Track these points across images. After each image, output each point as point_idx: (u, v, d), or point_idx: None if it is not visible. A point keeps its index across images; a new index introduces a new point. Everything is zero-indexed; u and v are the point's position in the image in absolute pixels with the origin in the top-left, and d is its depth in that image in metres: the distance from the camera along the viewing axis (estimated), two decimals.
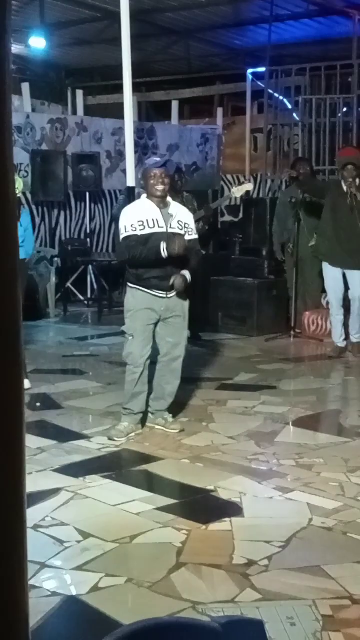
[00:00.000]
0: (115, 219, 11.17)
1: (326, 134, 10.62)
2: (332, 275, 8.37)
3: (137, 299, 5.60)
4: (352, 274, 8.25)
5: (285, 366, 7.95)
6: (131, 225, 5.48)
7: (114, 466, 5.09)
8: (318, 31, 12.67)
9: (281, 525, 4.17)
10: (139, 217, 5.51)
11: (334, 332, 8.54)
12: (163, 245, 5.40)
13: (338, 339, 8.44)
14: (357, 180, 8.18)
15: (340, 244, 8.27)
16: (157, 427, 5.83)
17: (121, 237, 5.55)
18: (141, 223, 5.48)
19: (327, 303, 8.77)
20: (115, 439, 5.55)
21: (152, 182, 5.52)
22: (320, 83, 11.08)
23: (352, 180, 8.15)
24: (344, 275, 8.30)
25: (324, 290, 9.69)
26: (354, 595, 3.40)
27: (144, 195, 5.65)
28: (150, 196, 5.57)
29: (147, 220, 5.49)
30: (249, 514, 4.32)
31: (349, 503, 4.43)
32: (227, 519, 4.23)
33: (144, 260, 5.50)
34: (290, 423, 6.05)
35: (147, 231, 5.45)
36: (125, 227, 5.50)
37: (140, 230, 5.45)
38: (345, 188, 8.18)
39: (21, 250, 6.24)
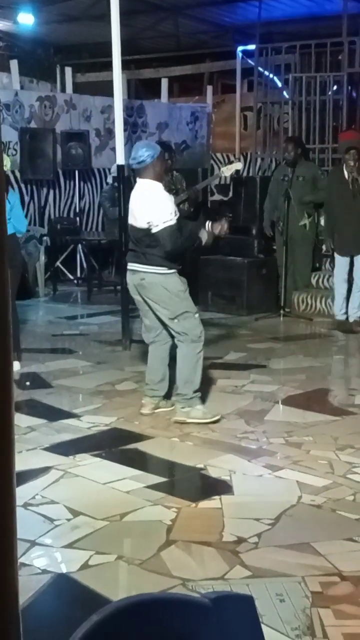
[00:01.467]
0: (102, 204, 11.17)
1: (316, 112, 10.58)
2: (340, 260, 8.57)
3: (181, 280, 5.52)
4: (357, 258, 8.39)
5: (275, 345, 7.97)
6: (175, 212, 5.44)
7: (104, 445, 5.10)
8: (308, 8, 12.57)
9: (270, 502, 4.19)
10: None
11: (335, 305, 8.69)
12: (206, 231, 5.53)
13: (338, 312, 8.62)
14: (358, 164, 8.24)
15: (347, 231, 8.41)
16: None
17: (169, 223, 5.33)
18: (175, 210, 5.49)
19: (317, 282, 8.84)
20: (207, 417, 5.48)
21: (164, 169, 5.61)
22: (310, 61, 11.02)
23: (353, 164, 8.19)
24: (352, 257, 8.48)
25: (313, 269, 9.74)
26: (343, 572, 3.43)
27: (157, 183, 5.49)
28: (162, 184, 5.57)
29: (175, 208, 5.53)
30: (239, 492, 4.34)
31: (337, 481, 4.45)
32: (216, 497, 4.25)
33: (188, 246, 5.61)
34: (280, 401, 6.07)
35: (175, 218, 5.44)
36: (171, 212, 5.37)
37: (176, 217, 5.43)
38: (346, 174, 8.23)
39: (9, 226, 6.17)
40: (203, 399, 5.83)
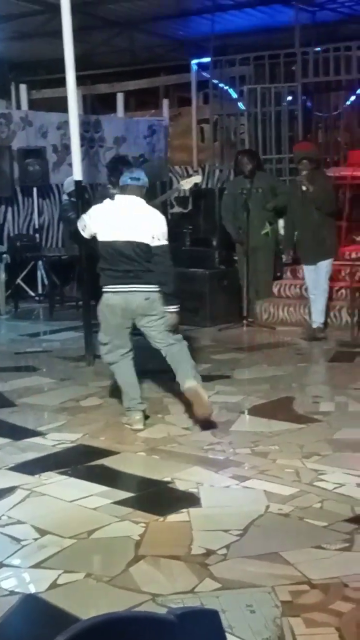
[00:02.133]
0: (64, 218, 11.10)
1: (272, 122, 10.66)
2: (307, 268, 8.68)
3: None
4: (321, 263, 8.52)
5: (239, 355, 7.99)
6: None
7: (70, 462, 5.06)
8: (261, 20, 12.71)
9: (238, 513, 4.18)
10: None
11: (311, 311, 8.76)
12: None
13: (313, 318, 8.71)
14: (311, 175, 8.38)
15: (306, 241, 8.55)
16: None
17: (166, 242, 5.57)
18: None
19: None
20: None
21: None
22: (264, 72, 11.11)
23: (304, 174, 8.30)
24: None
25: (275, 279, 9.80)
26: (312, 580, 3.43)
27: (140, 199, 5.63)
28: None
29: None
30: (206, 504, 4.33)
31: (304, 489, 4.46)
32: (184, 510, 4.23)
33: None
34: (245, 411, 6.08)
35: None
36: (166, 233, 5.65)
37: None
38: (297, 180, 8.38)
39: None
40: (169, 411, 5.92)
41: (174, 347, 5.66)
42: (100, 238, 5.60)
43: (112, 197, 5.84)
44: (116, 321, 5.61)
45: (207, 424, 5.59)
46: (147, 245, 5.49)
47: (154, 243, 5.48)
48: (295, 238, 8.72)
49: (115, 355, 5.72)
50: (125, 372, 5.74)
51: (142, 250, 5.49)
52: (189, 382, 5.55)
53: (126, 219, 5.53)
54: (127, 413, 5.75)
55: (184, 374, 5.61)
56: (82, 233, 5.77)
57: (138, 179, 5.64)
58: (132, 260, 5.51)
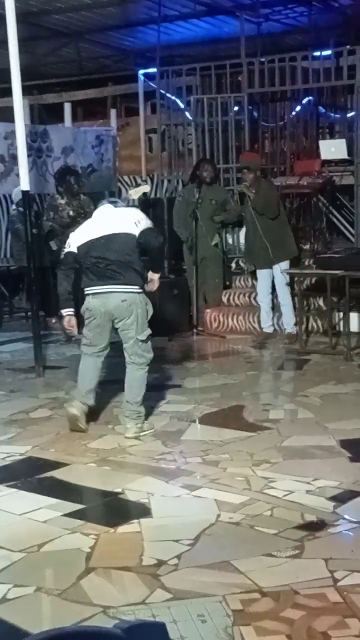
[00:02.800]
0: (13, 229, 11.02)
1: (219, 132, 10.71)
2: (261, 273, 8.83)
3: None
4: (275, 269, 8.64)
5: (189, 364, 8.00)
6: None
7: (19, 474, 5.01)
8: (207, 31, 12.79)
9: (189, 523, 4.18)
10: None
11: (261, 318, 8.94)
12: None
13: (264, 325, 8.90)
14: (256, 181, 8.53)
15: (255, 243, 8.68)
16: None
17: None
18: None
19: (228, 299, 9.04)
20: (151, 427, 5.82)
21: None
22: (210, 82, 11.17)
23: (246, 182, 8.55)
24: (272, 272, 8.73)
25: (224, 288, 9.86)
26: (263, 588, 3.44)
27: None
28: None
29: None
30: (157, 514, 4.33)
31: (255, 496, 4.48)
32: (135, 521, 4.22)
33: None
34: (196, 420, 6.09)
35: None
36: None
37: None
38: (240, 187, 8.51)
39: None
40: (119, 422, 5.96)
41: (136, 371, 5.79)
42: (79, 242, 5.73)
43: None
44: (96, 323, 5.68)
45: None
46: (130, 235, 5.62)
47: (139, 228, 5.63)
48: (248, 246, 8.85)
49: (91, 350, 5.81)
50: (88, 366, 5.84)
51: (123, 242, 5.60)
52: (128, 429, 5.73)
53: (106, 219, 5.76)
54: (68, 399, 6.03)
55: (125, 408, 5.83)
56: (69, 250, 5.79)
57: (115, 202, 6.04)
58: (111, 259, 5.59)
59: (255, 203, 8.48)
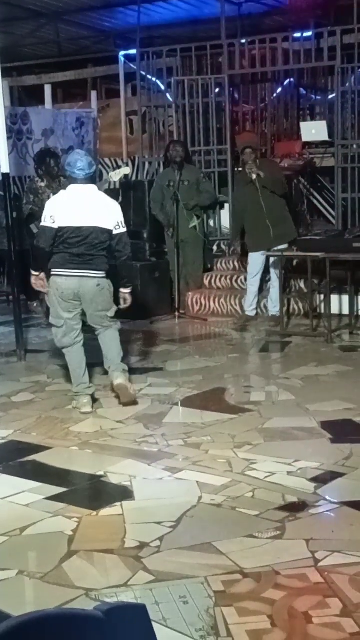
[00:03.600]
0: None
1: (200, 114, 10.67)
2: (255, 256, 8.74)
3: None
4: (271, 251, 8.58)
5: (171, 347, 8.01)
6: None
7: (1, 458, 5.01)
8: (187, 12, 12.71)
9: (171, 505, 4.20)
10: None
11: (245, 300, 8.94)
12: None
13: (247, 308, 8.89)
14: (257, 162, 8.53)
15: (255, 229, 8.59)
16: None
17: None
18: None
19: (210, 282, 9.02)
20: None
21: None
22: (191, 64, 11.12)
23: (251, 162, 8.44)
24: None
25: (205, 270, 9.86)
26: (245, 569, 3.47)
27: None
28: None
29: None
30: (140, 497, 4.34)
31: (236, 478, 4.50)
32: (117, 504, 4.24)
33: None
34: (178, 403, 6.11)
35: None
36: None
37: None
38: (248, 173, 8.43)
39: None
40: (101, 405, 6.05)
41: (109, 331, 6.04)
42: (62, 224, 5.78)
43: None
44: (66, 304, 5.87)
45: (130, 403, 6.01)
46: (108, 232, 5.85)
47: (116, 230, 5.87)
48: (246, 228, 8.75)
49: (70, 338, 5.95)
50: (76, 356, 6.01)
51: (103, 237, 5.83)
52: (118, 379, 5.99)
53: (89, 207, 5.82)
54: (76, 397, 6.00)
55: (114, 366, 6.03)
56: (50, 225, 5.82)
57: (88, 172, 5.85)
58: (91, 247, 5.81)
59: (266, 182, 8.39)
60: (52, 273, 5.85)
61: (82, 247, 5.80)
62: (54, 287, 5.86)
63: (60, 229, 5.79)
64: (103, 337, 6.06)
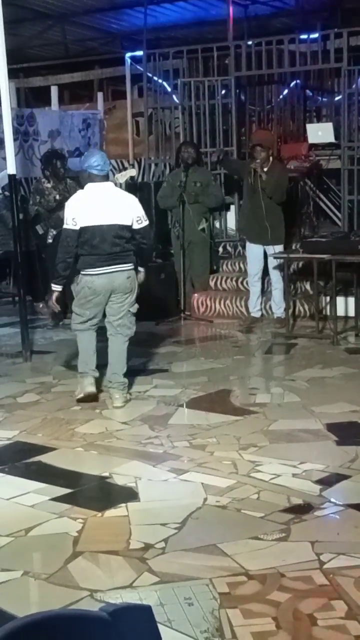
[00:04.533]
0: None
1: (206, 116, 10.67)
2: (252, 250, 8.80)
3: None
4: (268, 250, 8.62)
5: (176, 348, 8.00)
6: None
7: (7, 459, 5.02)
8: (194, 14, 12.74)
9: (176, 506, 4.20)
10: None
11: (249, 302, 8.94)
12: None
13: (252, 309, 8.90)
14: (269, 161, 8.57)
15: (256, 221, 8.62)
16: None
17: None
18: None
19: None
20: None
21: None
22: (197, 65, 11.12)
23: (258, 161, 8.45)
24: (265, 252, 8.67)
25: (211, 272, 9.86)
26: (250, 571, 3.47)
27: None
28: None
29: None
30: (145, 498, 4.34)
31: (241, 480, 4.50)
32: (122, 505, 4.24)
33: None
34: (183, 404, 6.10)
35: None
36: None
37: None
38: (251, 166, 8.49)
39: None
40: (106, 406, 6.07)
41: (121, 338, 6.14)
42: (84, 224, 5.86)
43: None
44: (97, 300, 5.98)
45: None
46: (129, 228, 5.96)
47: (138, 225, 5.98)
48: (245, 221, 8.80)
49: (86, 326, 6.09)
50: (88, 340, 6.12)
51: (123, 232, 5.94)
52: (116, 402, 6.07)
53: (108, 205, 5.91)
54: (80, 377, 6.16)
55: (115, 383, 6.13)
56: (72, 227, 5.88)
57: (103, 169, 5.97)
58: (114, 244, 5.90)
59: (267, 184, 8.42)
60: (83, 273, 5.96)
61: (105, 245, 5.88)
62: (86, 285, 5.95)
63: (83, 229, 5.87)
64: (114, 343, 6.13)
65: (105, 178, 6.05)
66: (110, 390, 6.14)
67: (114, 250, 5.91)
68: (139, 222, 5.99)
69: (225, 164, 9.57)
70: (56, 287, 6.04)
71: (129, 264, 6.00)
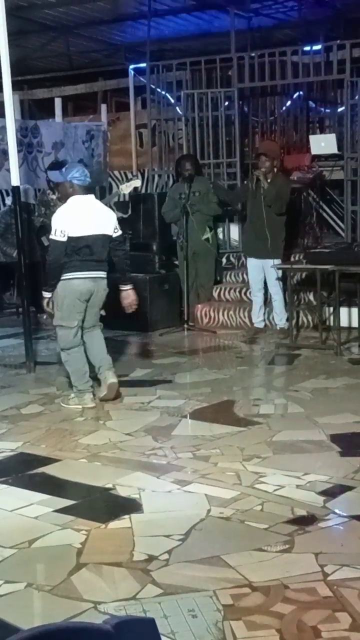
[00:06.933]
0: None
1: (209, 127, 10.71)
2: (252, 264, 8.88)
3: None
4: (266, 263, 8.65)
5: (180, 359, 8.01)
6: None
7: (10, 470, 5.02)
8: (197, 26, 12.78)
9: (180, 518, 4.20)
10: None
11: (252, 313, 9.02)
12: None
13: (255, 320, 8.97)
14: (273, 172, 8.69)
15: (255, 234, 8.69)
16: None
17: None
18: None
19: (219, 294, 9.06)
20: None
21: None
22: (201, 77, 11.15)
23: (263, 169, 8.58)
24: (263, 265, 8.75)
25: (215, 283, 9.87)
26: (253, 583, 3.46)
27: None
28: None
29: None
30: (148, 509, 4.34)
31: (245, 491, 4.49)
32: (126, 516, 4.23)
33: None
34: (187, 415, 6.10)
35: None
36: None
37: None
38: (254, 178, 8.50)
39: None
40: (110, 417, 6.04)
41: (97, 330, 6.47)
42: (72, 234, 6.13)
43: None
44: (81, 305, 6.24)
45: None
46: (110, 237, 6.32)
47: (115, 234, 6.35)
48: (245, 231, 8.82)
49: (78, 338, 6.33)
50: (82, 355, 6.38)
51: (106, 242, 6.30)
52: (112, 378, 6.39)
53: (95, 215, 6.27)
54: (79, 393, 6.33)
55: (106, 364, 6.43)
56: (60, 239, 6.14)
57: (84, 181, 6.33)
58: (99, 252, 6.24)
59: (267, 193, 8.48)
60: (70, 277, 6.17)
61: (95, 253, 6.21)
62: (70, 289, 6.18)
63: (70, 239, 6.12)
64: (93, 337, 6.44)
65: (87, 190, 6.38)
66: (104, 373, 6.40)
67: (101, 258, 6.28)
68: (116, 231, 6.35)
69: (217, 190, 9.61)
70: (47, 294, 6.30)
71: (106, 273, 6.36)
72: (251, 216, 8.75)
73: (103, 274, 6.31)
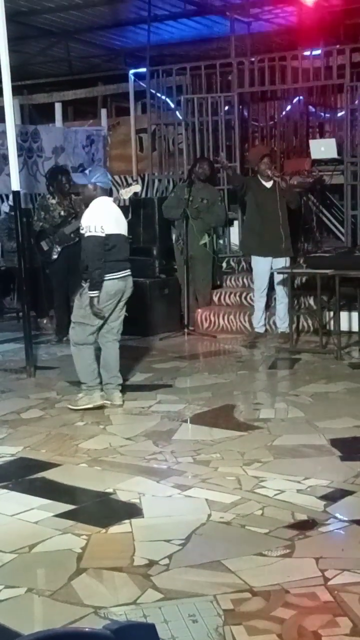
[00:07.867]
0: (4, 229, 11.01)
1: (209, 132, 10.72)
2: (261, 265, 8.79)
3: None
4: (277, 262, 8.62)
5: (180, 364, 8.01)
6: None
7: (11, 475, 5.01)
8: (197, 31, 12.80)
9: (180, 522, 4.19)
10: None
11: (254, 317, 8.95)
12: None
13: (256, 324, 8.90)
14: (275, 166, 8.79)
15: (268, 233, 8.60)
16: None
17: None
18: None
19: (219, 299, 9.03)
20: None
21: None
22: (200, 82, 11.17)
23: (272, 169, 8.66)
24: (271, 266, 8.69)
25: (214, 287, 9.87)
26: (254, 587, 3.45)
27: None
28: None
29: None
30: (149, 514, 4.33)
31: (245, 496, 4.49)
32: (126, 521, 4.23)
33: None
34: (187, 420, 6.10)
35: None
36: None
37: None
38: (262, 181, 8.53)
39: None
40: (110, 422, 6.06)
41: (116, 343, 6.50)
42: (110, 231, 6.25)
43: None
44: (111, 305, 6.31)
45: None
46: (128, 238, 6.61)
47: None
48: (257, 231, 8.74)
49: (94, 337, 6.37)
50: (89, 354, 6.39)
51: (127, 242, 6.56)
52: (117, 400, 6.45)
53: (118, 216, 6.45)
54: (88, 390, 6.36)
55: (115, 384, 6.48)
56: (100, 234, 6.19)
57: (107, 183, 6.56)
58: (125, 250, 6.44)
59: (286, 191, 8.51)
60: (109, 278, 6.24)
61: (124, 251, 6.40)
62: (111, 289, 6.25)
63: (108, 236, 6.22)
64: (111, 349, 6.47)
65: (108, 192, 6.50)
66: (111, 392, 6.44)
67: (127, 256, 6.45)
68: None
69: (230, 176, 9.63)
70: (94, 293, 6.20)
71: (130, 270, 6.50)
72: (264, 216, 8.63)
73: (130, 272, 6.45)
